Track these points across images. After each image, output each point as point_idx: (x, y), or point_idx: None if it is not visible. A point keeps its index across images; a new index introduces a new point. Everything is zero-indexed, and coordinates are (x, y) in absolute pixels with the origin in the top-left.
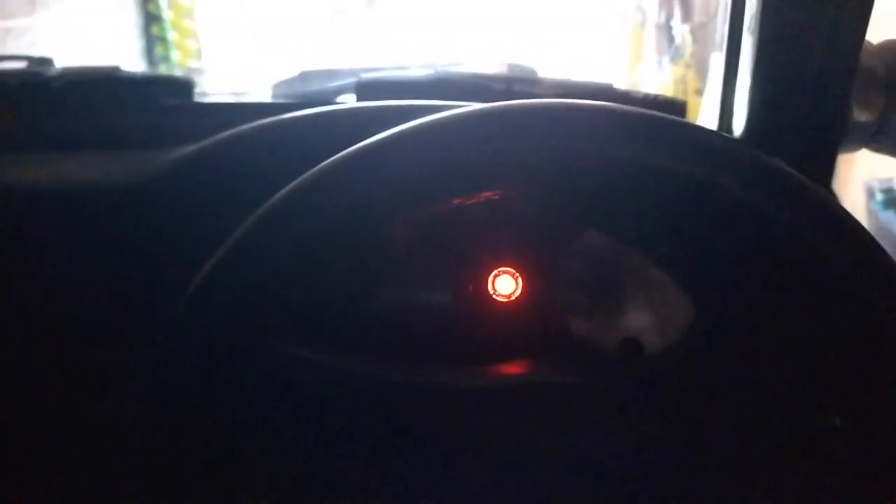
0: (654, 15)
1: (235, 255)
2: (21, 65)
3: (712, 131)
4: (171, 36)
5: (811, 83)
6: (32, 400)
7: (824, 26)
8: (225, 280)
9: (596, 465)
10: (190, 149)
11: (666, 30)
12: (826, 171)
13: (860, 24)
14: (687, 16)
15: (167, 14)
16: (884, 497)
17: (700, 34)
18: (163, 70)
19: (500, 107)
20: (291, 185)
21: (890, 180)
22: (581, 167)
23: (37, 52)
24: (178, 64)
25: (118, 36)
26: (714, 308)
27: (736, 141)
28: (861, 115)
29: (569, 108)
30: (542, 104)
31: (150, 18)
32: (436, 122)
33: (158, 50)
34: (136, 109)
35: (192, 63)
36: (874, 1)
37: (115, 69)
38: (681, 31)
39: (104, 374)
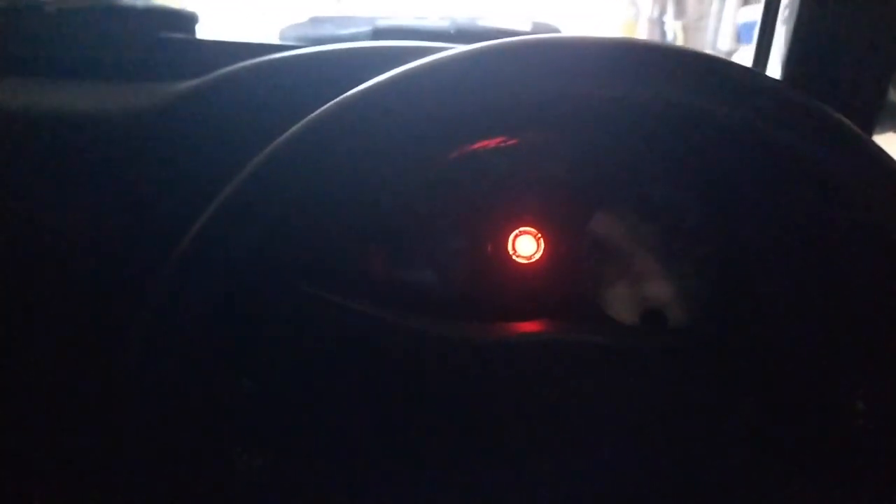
0: (648, 10)
1: (248, 191)
2: None
3: (758, 72)
4: None
5: (850, 63)
6: (30, 336)
7: (867, 7)
8: (235, 219)
9: (612, 425)
10: (190, 83)
11: (659, 25)
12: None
13: None
14: (680, 12)
15: None
16: None
17: (692, 30)
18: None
19: (524, 41)
20: (300, 123)
21: None
22: (609, 112)
23: None
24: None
25: None
26: (739, 280)
27: (785, 83)
28: None
29: (596, 43)
30: (573, 39)
31: None
32: (455, 58)
33: None
34: (134, 42)
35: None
36: None
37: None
38: (673, 27)
39: (103, 312)
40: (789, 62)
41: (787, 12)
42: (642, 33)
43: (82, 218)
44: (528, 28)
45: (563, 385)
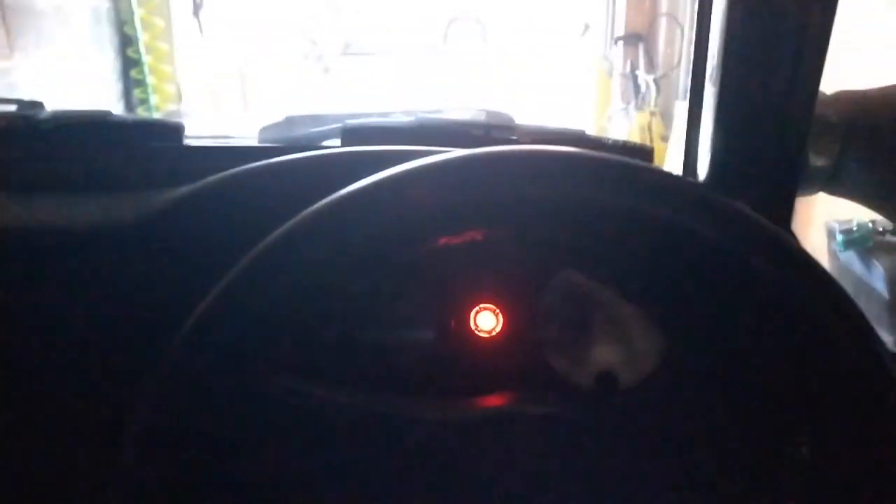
0: (620, 65)
1: (230, 295)
2: (11, 108)
3: (678, 176)
4: (150, 80)
5: (770, 131)
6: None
7: (781, 78)
8: (218, 320)
9: (572, 492)
10: (180, 191)
11: (631, 79)
12: (785, 212)
13: (815, 75)
14: (651, 66)
15: (146, 58)
16: None
17: (664, 83)
18: (141, 112)
19: (479, 153)
20: (283, 227)
21: (849, 222)
22: (558, 210)
23: (16, 95)
24: (156, 107)
25: (97, 79)
26: (685, 342)
27: (700, 185)
28: (817, 161)
29: (544, 154)
30: (518, 150)
31: (129, 62)
32: (420, 168)
33: (137, 93)
34: (126, 152)
35: (171, 106)
36: (826, 55)
37: (106, 113)
38: (645, 80)
39: (97, 411)
40: (717, 127)
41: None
42: (615, 87)
43: (76, 331)
44: (482, 118)
45: (526, 453)
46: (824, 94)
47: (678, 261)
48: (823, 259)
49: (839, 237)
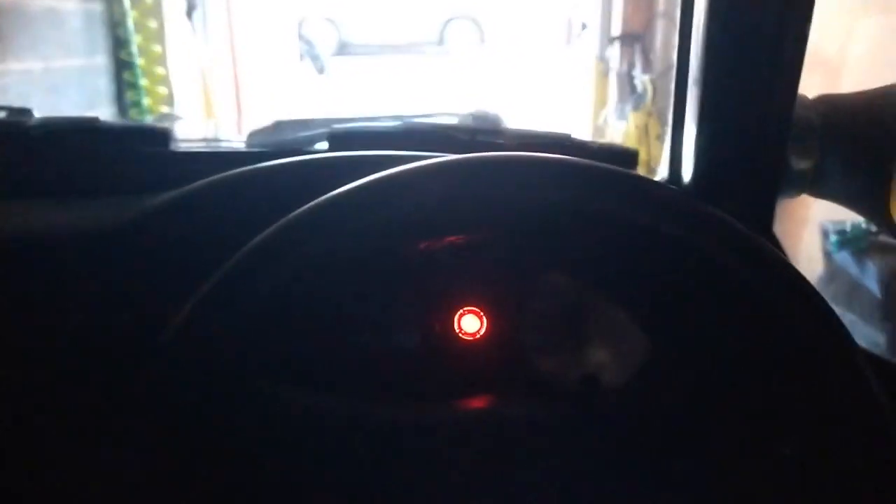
0: (617, 64)
1: (211, 300)
2: (1, 115)
3: (656, 181)
4: (143, 82)
5: (751, 134)
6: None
7: (762, 81)
8: (200, 325)
9: (556, 494)
10: (167, 195)
11: (628, 79)
12: (767, 214)
13: (794, 77)
14: (647, 66)
15: (139, 60)
16: None
17: (660, 83)
18: (133, 114)
19: (460, 160)
20: (267, 231)
21: (844, 222)
22: (540, 215)
23: (7, 98)
24: (148, 109)
25: (89, 81)
26: (667, 345)
27: (678, 190)
28: (799, 164)
29: (527, 161)
30: (505, 157)
31: (122, 65)
32: (407, 172)
33: (129, 95)
34: (114, 158)
35: (163, 109)
36: (804, 58)
37: (94, 120)
38: (642, 80)
39: (83, 414)
40: (700, 130)
41: (696, 78)
42: (613, 87)
43: (60, 336)
44: (469, 121)
45: (510, 453)
46: (805, 98)
47: (658, 265)
48: (818, 259)
49: (833, 238)
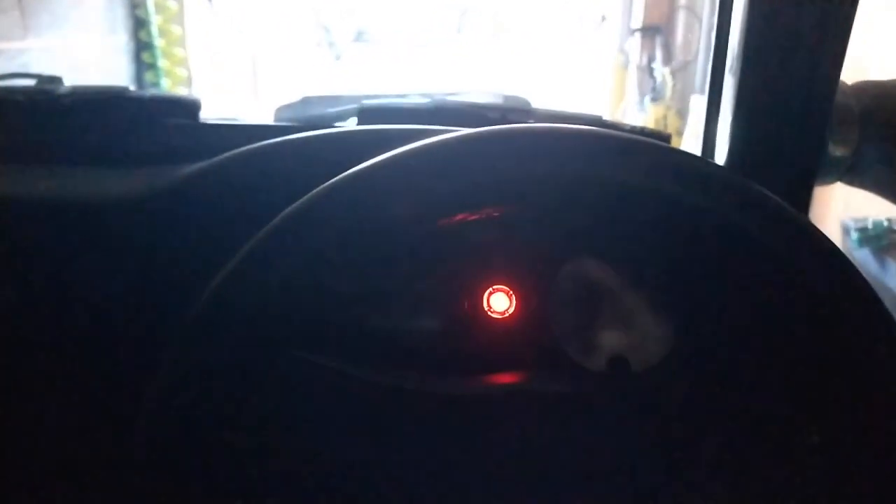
0: (637, 57)
1: (245, 269)
2: (31, 82)
3: (699, 157)
4: (162, 63)
5: (790, 120)
6: (34, 412)
7: (803, 67)
8: (234, 294)
9: (582, 472)
10: (195, 166)
11: (648, 71)
12: (803, 202)
13: (835, 65)
14: (668, 58)
15: (158, 41)
16: None
17: (680, 76)
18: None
19: (499, 130)
20: (295, 204)
21: (865, 219)
22: (574, 190)
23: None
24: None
25: (109, 61)
26: (699, 326)
27: (721, 167)
28: (836, 151)
29: (565, 132)
30: (538, 128)
31: (141, 45)
32: (438, 144)
33: (148, 76)
34: (142, 128)
35: (182, 91)
36: (848, 44)
37: (124, 89)
38: (662, 72)
39: (110, 388)
40: (736, 117)
41: (733, 65)
42: (632, 79)
43: (91, 303)
44: (499, 101)
45: (536, 432)
46: (845, 84)
47: (695, 243)
48: None
49: (854, 234)
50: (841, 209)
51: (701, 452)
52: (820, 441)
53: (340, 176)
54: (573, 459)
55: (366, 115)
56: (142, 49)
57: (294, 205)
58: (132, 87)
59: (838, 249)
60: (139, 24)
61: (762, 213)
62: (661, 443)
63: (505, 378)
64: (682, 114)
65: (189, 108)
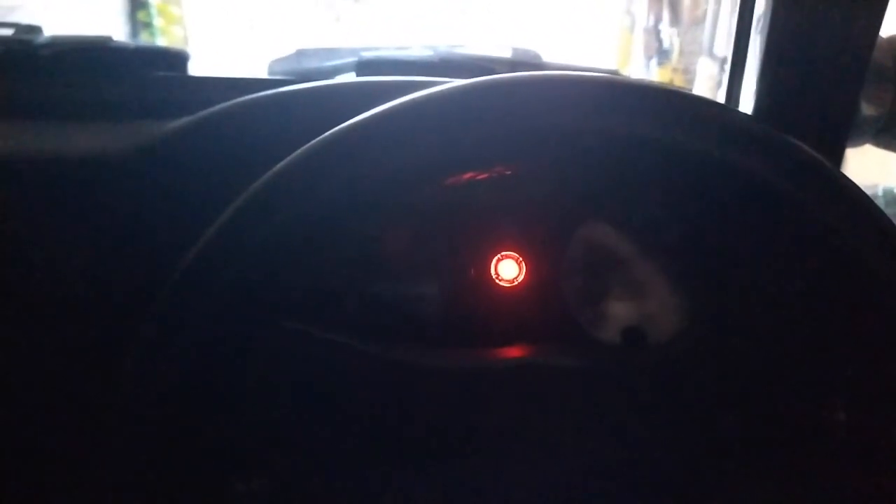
0: (643, 18)
1: (230, 230)
2: (8, 32)
3: (732, 109)
4: (157, 22)
5: (822, 77)
6: (22, 377)
7: (837, 22)
8: (219, 257)
9: (595, 448)
10: (182, 121)
11: (654, 33)
12: (835, 163)
13: (875, 19)
14: (675, 20)
15: (153, 0)
16: (885, 490)
17: (687, 38)
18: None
19: (504, 78)
20: (291, 156)
21: (875, 186)
22: (592, 145)
23: None
24: None
25: (104, 20)
26: (719, 295)
27: (754, 119)
28: (868, 110)
29: (578, 80)
30: (548, 76)
31: (137, 4)
32: (439, 94)
33: (144, 36)
34: (127, 80)
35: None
36: None
37: (107, 39)
38: (669, 34)
39: (97, 350)
40: (764, 75)
41: (760, 23)
42: (638, 41)
43: (71, 264)
44: (508, 55)
45: (548, 406)
46: (880, 38)
47: (721, 203)
48: None
49: None
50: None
51: (719, 431)
52: (846, 418)
53: (334, 129)
54: (584, 437)
55: (364, 67)
56: (137, 8)
57: (284, 161)
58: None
59: (881, 212)
60: None
61: (799, 172)
62: (677, 420)
63: (513, 351)
64: (689, 77)
65: (176, 59)
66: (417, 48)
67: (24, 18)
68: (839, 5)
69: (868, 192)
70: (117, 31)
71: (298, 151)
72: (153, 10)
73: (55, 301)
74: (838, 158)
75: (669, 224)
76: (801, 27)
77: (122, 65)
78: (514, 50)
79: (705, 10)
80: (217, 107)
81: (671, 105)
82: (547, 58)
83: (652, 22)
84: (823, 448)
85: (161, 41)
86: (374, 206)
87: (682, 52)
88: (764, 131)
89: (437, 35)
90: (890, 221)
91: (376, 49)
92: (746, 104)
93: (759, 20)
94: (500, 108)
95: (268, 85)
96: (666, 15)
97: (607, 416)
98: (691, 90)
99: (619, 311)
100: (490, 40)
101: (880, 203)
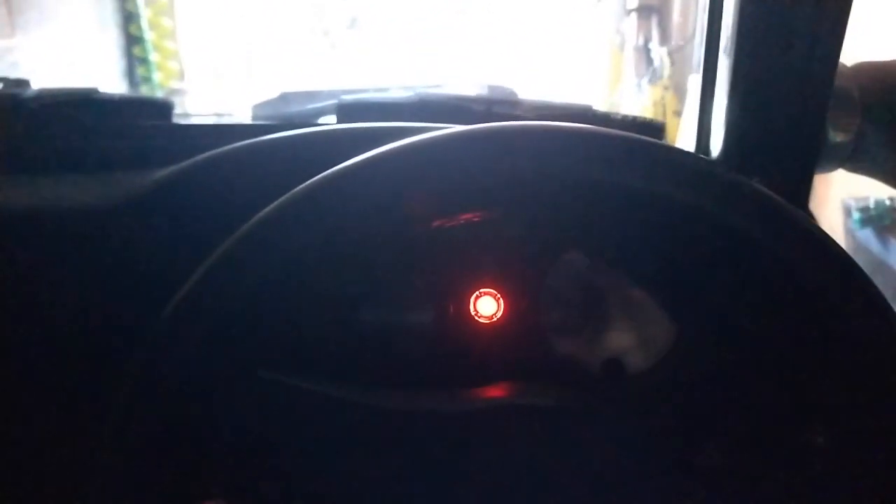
0: (633, 37)
1: (212, 279)
2: None
3: (689, 153)
4: (153, 57)
5: (787, 104)
6: (8, 421)
7: (800, 49)
8: (201, 304)
9: (579, 486)
10: (168, 170)
11: (644, 52)
12: (803, 190)
13: (835, 46)
14: (665, 38)
15: (149, 35)
16: None
17: (677, 56)
18: (144, 91)
19: (480, 129)
20: (269, 207)
21: (866, 199)
22: (562, 189)
23: (18, 74)
24: (159, 85)
25: (100, 57)
26: (695, 328)
27: (713, 163)
28: (837, 136)
29: (549, 130)
30: (522, 127)
31: (132, 40)
32: (417, 144)
33: (140, 71)
34: (113, 131)
35: (174, 84)
36: (848, 24)
37: (93, 91)
38: (659, 53)
39: (82, 396)
40: (732, 100)
41: (727, 45)
42: (628, 60)
43: (64, 314)
44: (485, 93)
45: (528, 446)
46: (844, 66)
47: (688, 241)
48: (840, 237)
49: (856, 215)
50: (841, 189)
51: (701, 457)
52: (824, 442)
53: (316, 178)
54: (567, 472)
55: (345, 111)
56: (132, 43)
57: (264, 210)
58: (124, 82)
59: (840, 248)
60: (129, 19)
61: (758, 212)
62: (658, 448)
63: (494, 392)
64: (680, 94)
65: (161, 108)
66: (397, 90)
67: (20, 59)
68: (801, 31)
69: (860, 203)
70: (114, 66)
71: (279, 200)
72: (148, 46)
73: (43, 352)
74: (808, 182)
75: (640, 260)
76: (764, 52)
77: (108, 116)
78: (490, 88)
79: (694, 29)
80: (202, 156)
81: (630, 152)
82: (522, 93)
83: (641, 41)
84: (804, 473)
85: (157, 75)
86: (354, 251)
87: (672, 70)
88: (717, 173)
89: (431, 58)
90: (847, 256)
91: (356, 92)
92: (718, 129)
93: (725, 43)
94: (474, 157)
95: (251, 130)
96: (655, 34)
97: (588, 449)
98: (682, 108)
99: (597, 344)
100: (469, 77)
101: (872, 215)
